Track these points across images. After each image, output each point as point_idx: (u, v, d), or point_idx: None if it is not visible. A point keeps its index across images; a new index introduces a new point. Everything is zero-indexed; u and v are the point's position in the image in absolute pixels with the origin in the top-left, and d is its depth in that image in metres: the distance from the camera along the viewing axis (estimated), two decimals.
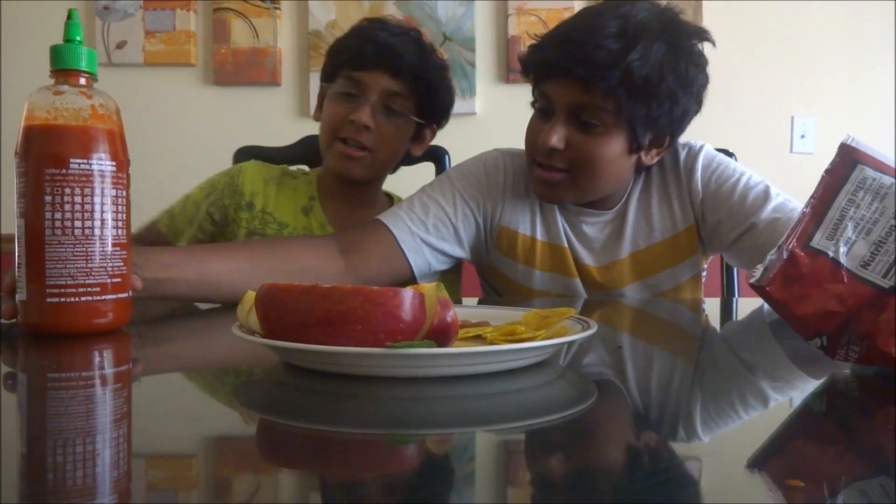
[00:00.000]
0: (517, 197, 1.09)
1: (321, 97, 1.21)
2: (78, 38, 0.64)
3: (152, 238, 1.23)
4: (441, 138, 1.29)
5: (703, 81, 0.99)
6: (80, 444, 0.34)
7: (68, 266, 0.61)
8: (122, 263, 0.64)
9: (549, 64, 0.96)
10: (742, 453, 0.34)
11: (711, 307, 1.04)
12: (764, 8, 2.34)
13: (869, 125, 2.33)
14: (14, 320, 0.65)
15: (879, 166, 0.50)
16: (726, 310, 1.06)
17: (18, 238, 0.62)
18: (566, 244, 1.08)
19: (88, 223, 0.62)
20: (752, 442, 0.36)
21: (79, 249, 0.61)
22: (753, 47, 2.34)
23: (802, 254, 0.49)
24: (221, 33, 2.34)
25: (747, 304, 1.02)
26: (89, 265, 0.62)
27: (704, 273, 1.14)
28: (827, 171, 0.51)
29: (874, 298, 0.47)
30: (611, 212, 1.08)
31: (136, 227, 1.24)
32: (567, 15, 1.01)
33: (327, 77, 1.18)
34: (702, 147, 1.07)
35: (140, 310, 0.69)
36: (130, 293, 0.66)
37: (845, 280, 0.48)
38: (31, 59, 2.12)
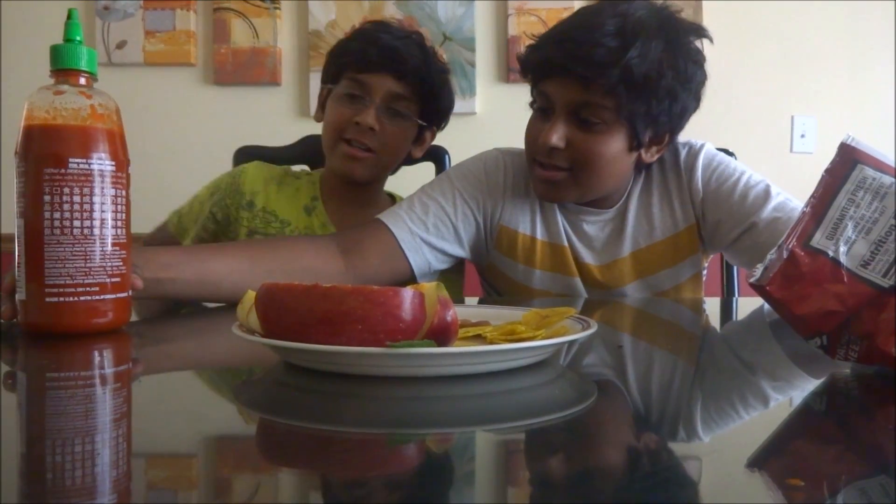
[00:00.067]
0: (517, 196, 1.09)
1: (322, 98, 1.22)
2: (78, 38, 0.64)
3: (164, 239, 1.27)
4: (441, 138, 1.29)
5: (702, 78, 0.99)
6: (80, 444, 0.34)
7: (67, 266, 0.61)
8: (121, 263, 0.64)
9: (548, 63, 0.96)
10: (742, 453, 0.34)
11: (711, 307, 1.04)
12: (764, 8, 2.34)
13: (869, 125, 2.33)
14: (14, 320, 0.65)
15: (879, 166, 0.50)
16: (726, 310, 1.06)
17: (18, 238, 0.62)
18: (566, 243, 1.08)
19: (87, 223, 0.62)
20: (752, 442, 0.36)
21: (77, 249, 0.61)
22: (753, 47, 2.34)
23: (802, 253, 0.49)
24: (221, 33, 2.34)
25: (747, 304, 1.02)
26: (88, 265, 0.62)
27: (705, 272, 1.14)
28: (827, 171, 0.51)
29: (874, 298, 0.47)
30: (611, 210, 1.08)
31: (149, 227, 1.28)
32: (567, 15, 1.01)
33: (330, 78, 1.19)
34: (702, 146, 1.07)
35: (146, 308, 0.69)
36: (130, 293, 0.66)
37: (845, 280, 0.48)
38: (31, 59, 2.12)
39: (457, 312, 0.49)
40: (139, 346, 0.64)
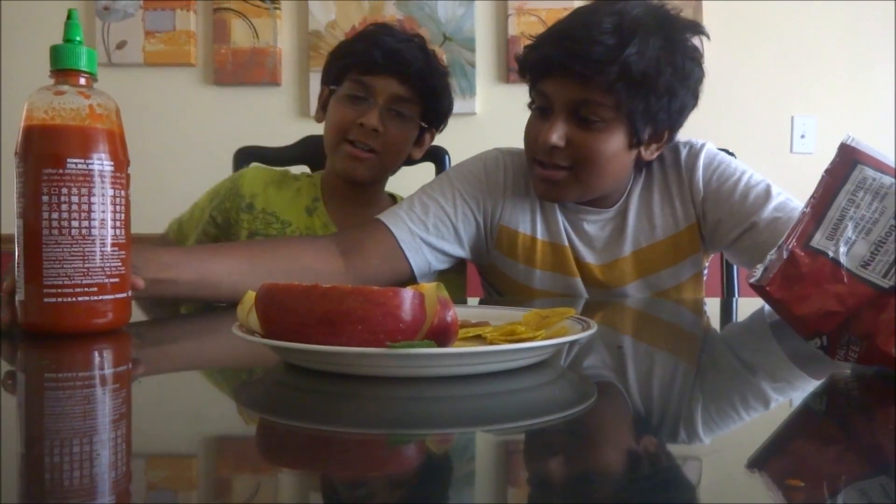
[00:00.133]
0: (517, 196, 1.09)
1: (323, 99, 1.22)
2: (78, 38, 0.63)
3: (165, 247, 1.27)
4: (441, 138, 1.30)
5: (700, 76, 0.99)
6: (79, 445, 0.34)
7: (65, 266, 0.61)
8: (120, 263, 0.64)
9: (546, 62, 0.96)
10: (742, 453, 0.34)
11: (712, 307, 1.04)
12: (764, 8, 2.34)
13: (869, 125, 2.33)
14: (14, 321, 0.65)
15: (879, 166, 0.50)
16: (726, 310, 1.06)
17: (17, 238, 0.62)
18: (567, 243, 1.08)
19: (86, 223, 0.62)
20: (752, 442, 0.36)
21: (76, 249, 0.61)
22: (753, 47, 2.34)
23: (802, 254, 0.49)
24: (221, 33, 2.34)
25: (747, 305, 1.02)
26: (87, 265, 0.62)
27: (706, 272, 1.14)
28: (827, 171, 0.51)
29: (874, 298, 0.47)
30: (611, 210, 1.08)
31: (149, 228, 1.29)
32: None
33: (332, 79, 1.19)
34: (703, 145, 1.07)
35: (148, 308, 0.69)
36: (130, 293, 0.66)
37: (845, 280, 0.48)
38: (31, 59, 2.12)
39: (457, 312, 0.49)
40: (139, 347, 0.64)
